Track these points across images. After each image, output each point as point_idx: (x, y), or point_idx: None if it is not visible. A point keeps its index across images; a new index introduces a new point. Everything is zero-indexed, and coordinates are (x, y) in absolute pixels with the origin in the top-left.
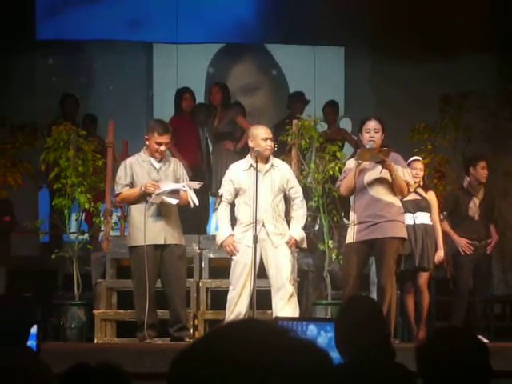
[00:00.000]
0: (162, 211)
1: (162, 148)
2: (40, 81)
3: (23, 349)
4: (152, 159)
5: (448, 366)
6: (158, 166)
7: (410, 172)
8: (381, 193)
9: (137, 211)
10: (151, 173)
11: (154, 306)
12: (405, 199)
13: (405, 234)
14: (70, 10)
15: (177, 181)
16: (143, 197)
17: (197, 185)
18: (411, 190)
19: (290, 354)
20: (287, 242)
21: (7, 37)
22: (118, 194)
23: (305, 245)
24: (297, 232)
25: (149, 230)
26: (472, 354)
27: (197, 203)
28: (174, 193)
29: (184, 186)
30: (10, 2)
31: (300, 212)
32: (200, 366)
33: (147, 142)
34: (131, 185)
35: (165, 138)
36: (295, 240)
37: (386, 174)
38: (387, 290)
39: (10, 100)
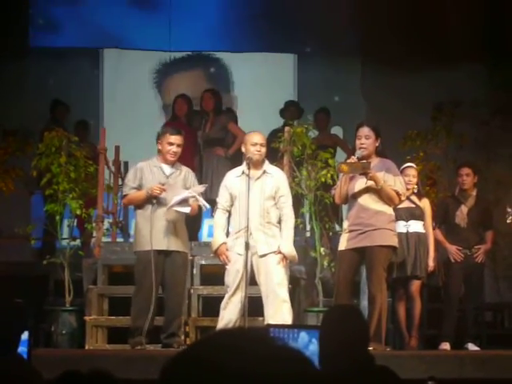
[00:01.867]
0: (167, 217)
1: (175, 149)
2: (32, 87)
3: (14, 355)
4: (163, 165)
5: None
6: (168, 172)
7: (402, 180)
8: (369, 201)
9: (142, 217)
10: (160, 179)
11: (154, 313)
12: (398, 207)
13: (395, 242)
14: (62, 17)
15: (186, 189)
16: (149, 200)
17: (201, 188)
18: (402, 198)
19: (276, 363)
20: (275, 254)
21: (0, 42)
22: (125, 195)
23: (296, 261)
24: (286, 248)
25: (153, 235)
26: None
27: (208, 206)
28: (184, 202)
29: (190, 192)
30: (4, 9)
31: (289, 223)
32: (189, 373)
33: (159, 147)
34: (139, 188)
35: (177, 139)
36: (283, 256)
37: (373, 183)
38: (377, 298)
39: (2, 106)
